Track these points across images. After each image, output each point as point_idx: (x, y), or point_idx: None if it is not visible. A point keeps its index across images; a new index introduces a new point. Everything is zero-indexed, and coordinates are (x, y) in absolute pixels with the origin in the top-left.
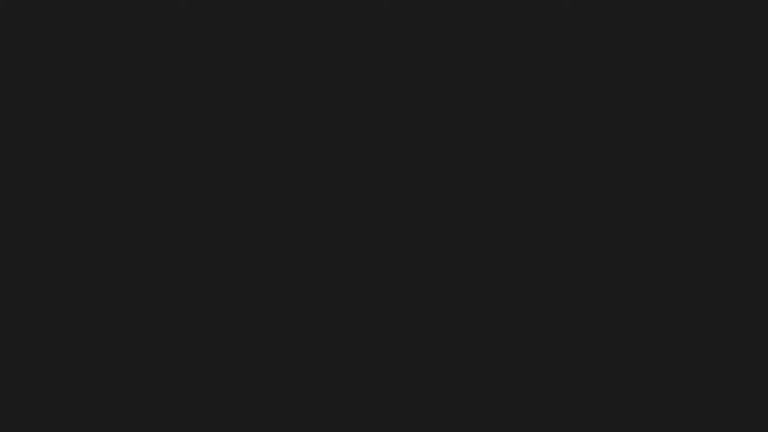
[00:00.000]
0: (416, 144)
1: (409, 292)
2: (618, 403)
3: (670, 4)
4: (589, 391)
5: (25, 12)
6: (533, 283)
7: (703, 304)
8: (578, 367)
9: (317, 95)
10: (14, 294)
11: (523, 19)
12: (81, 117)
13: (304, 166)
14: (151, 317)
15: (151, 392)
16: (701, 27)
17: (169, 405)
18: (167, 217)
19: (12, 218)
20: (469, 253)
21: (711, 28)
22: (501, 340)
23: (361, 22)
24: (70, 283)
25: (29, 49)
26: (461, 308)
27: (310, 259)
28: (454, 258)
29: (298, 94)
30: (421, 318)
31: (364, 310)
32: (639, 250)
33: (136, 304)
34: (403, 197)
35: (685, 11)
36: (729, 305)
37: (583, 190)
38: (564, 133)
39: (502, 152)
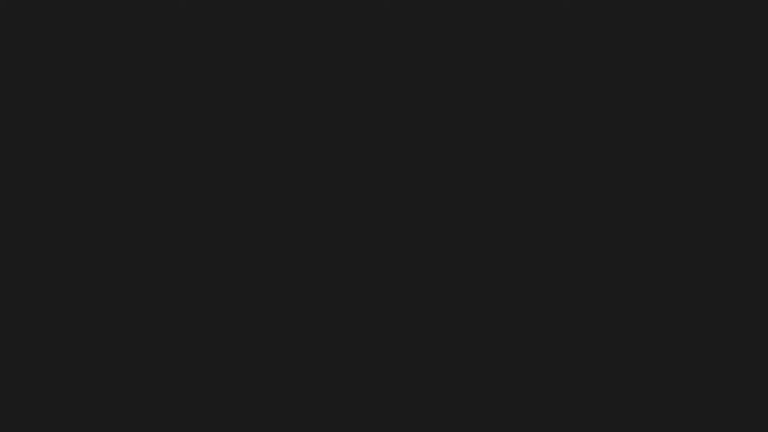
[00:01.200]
0: (416, 144)
1: (409, 292)
2: (618, 403)
3: (670, 4)
4: (589, 391)
5: (25, 12)
6: (533, 283)
7: (703, 304)
8: (578, 367)
9: (317, 95)
10: (14, 294)
11: (523, 19)
12: (81, 117)
13: (304, 166)
14: (152, 317)
15: (151, 392)
16: (701, 27)
17: (169, 405)
18: (167, 217)
19: (12, 218)
20: (469, 253)
21: (711, 28)
22: (501, 340)
23: (361, 22)
24: (71, 283)
25: (29, 49)
26: (461, 308)
27: (310, 259)
28: (454, 258)
29: (298, 94)
30: (421, 318)
31: (364, 310)
32: (639, 250)
33: (136, 304)
34: (404, 197)
35: (685, 11)
36: (729, 305)
37: (583, 190)
38: (564, 132)
39: (503, 152)
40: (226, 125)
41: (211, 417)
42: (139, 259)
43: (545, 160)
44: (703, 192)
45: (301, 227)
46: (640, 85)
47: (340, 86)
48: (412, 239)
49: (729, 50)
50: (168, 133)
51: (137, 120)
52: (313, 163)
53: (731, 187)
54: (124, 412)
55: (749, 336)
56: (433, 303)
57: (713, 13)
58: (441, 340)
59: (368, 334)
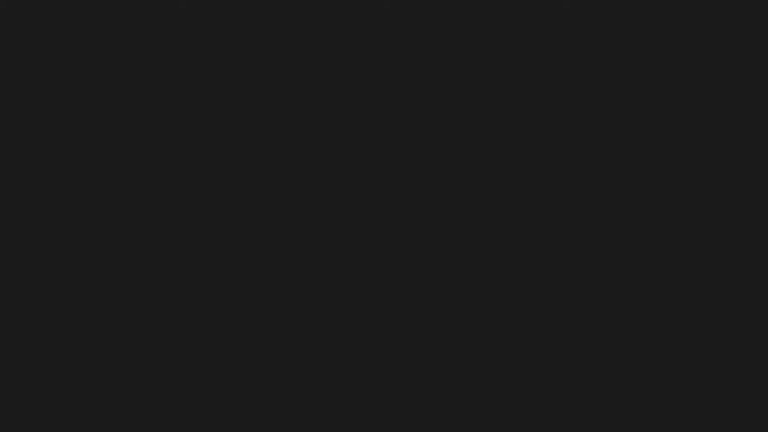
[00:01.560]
0: (416, 144)
1: (409, 292)
2: (618, 403)
3: (670, 4)
4: (589, 391)
5: (25, 12)
6: (533, 283)
7: (703, 304)
8: (578, 367)
9: (317, 95)
10: (14, 294)
11: (523, 19)
12: (81, 117)
13: (304, 166)
14: (152, 317)
15: (151, 392)
16: (701, 27)
17: (169, 405)
18: (167, 217)
19: (12, 218)
20: (469, 253)
21: (711, 28)
22: (501, 340)
23: (361, 22)
24: (71, 283)
25: (29, 49)
26: (461, 308)
27: (310, 259)
28: (454, 258)
29: (298, 94)
30: (421, 318)
31: (364, 310)
32: (639, 251)
33: (136, 304)
34: (404, 197)
35: (685, 11)
36: (729, 305)
37: (583, 190)
38: (564, 133)
39: (503, 152)
40: (226, 125)
41: (211, 417)
42: (139, 259)
43: (545, 159)
44: (703, 192)
45: (301, 227)
46: (640, 85)
47: (340, 86)
48: (412, 239)
49: (729, 50)
50: (168, 133)
51: (137, 120)
52: (312, 162)
53: (731, 187)
54: (124, 412)
55: (749, 336)
56: (434, 303)
57: (713, 13)
58: (441, 340)
59: (368, 334)
